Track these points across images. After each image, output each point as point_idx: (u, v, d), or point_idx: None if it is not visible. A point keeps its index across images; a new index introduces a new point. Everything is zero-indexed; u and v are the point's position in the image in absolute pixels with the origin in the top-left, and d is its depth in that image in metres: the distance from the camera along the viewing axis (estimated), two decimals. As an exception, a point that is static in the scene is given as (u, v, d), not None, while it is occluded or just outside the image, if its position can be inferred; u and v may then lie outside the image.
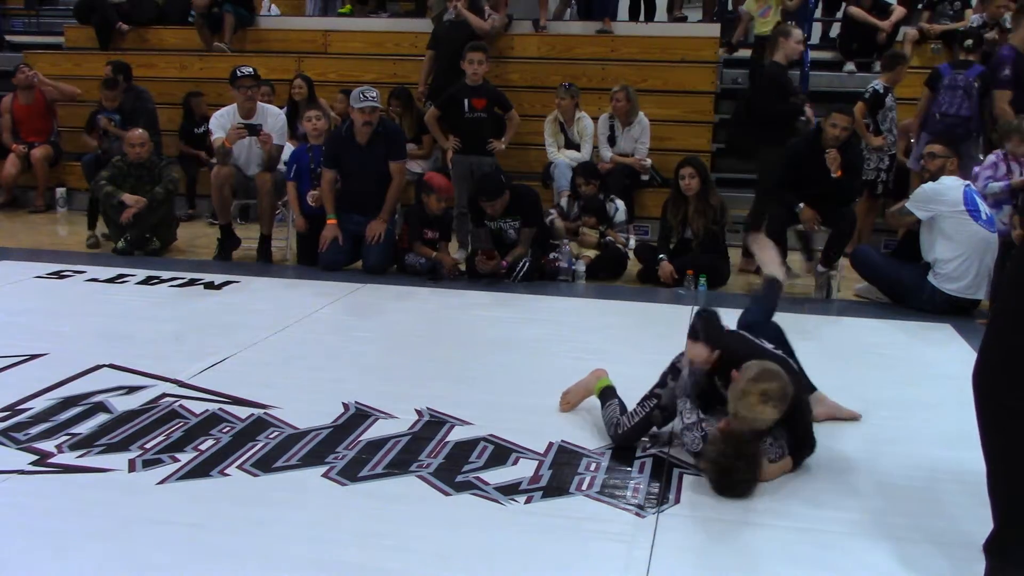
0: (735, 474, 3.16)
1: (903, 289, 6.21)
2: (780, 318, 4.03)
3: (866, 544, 2.90)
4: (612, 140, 8.35)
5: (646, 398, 3.61)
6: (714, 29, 10.36)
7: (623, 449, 3.54)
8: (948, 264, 5.94)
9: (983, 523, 2.49)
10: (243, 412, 3.85)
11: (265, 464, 3.36)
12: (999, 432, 2.40)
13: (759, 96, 7.44)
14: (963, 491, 3.18)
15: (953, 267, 5.92)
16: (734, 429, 3.23)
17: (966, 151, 7.17)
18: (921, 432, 3.87)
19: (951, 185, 6.03)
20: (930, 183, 6.13)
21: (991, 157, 6.64)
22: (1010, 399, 2.36)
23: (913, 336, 5.53)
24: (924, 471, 3.46)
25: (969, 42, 7.92)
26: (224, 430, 3.66)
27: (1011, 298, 2.43)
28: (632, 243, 7.35)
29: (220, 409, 3.89)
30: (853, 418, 3.94)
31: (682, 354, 3.66)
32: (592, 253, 7.02)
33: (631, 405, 3.65)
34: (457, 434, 3.68)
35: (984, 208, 5.98)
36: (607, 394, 3.79)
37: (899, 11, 9.53)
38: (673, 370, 3.64)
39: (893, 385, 4.51)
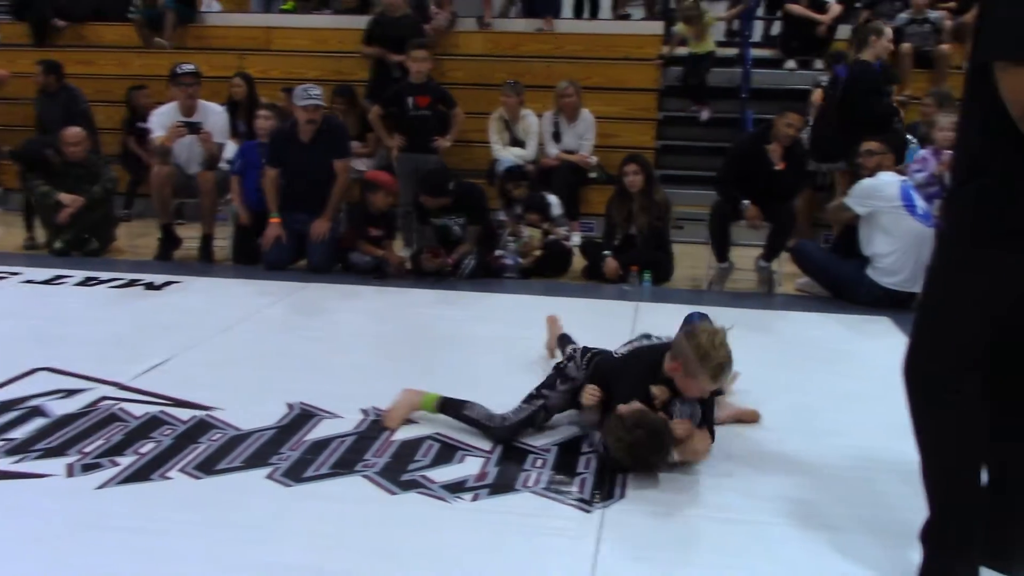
0: (639, 448, 3.20)
1: (843, 283, 6.32)
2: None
3: (806, 534, 2.95)
4: (557, 137, 8.37)
5: (533, 396, 3.67)
6: (657, 27, 10.44)
7: (569, 445, 3.56)
8: (886, 258, 6.06)
9: (920, 512, 2.54)
10: (185, 414, 3.80)
11: (208, 466, 3.31)
12: (931, 418, 2.45)
13: (858, 97, 7.29)
14: (901, 481, 3.24)
15: (891, 261, 6.04)
16: (629, 410, 3.27)
17: None
18: (860, 423, 3.93)
19: (888, 181, 6.15)
20: (868, 179, 6.25)
21: (921, 152, 6.78)
22: (940, 384, 2.42)
23: (852, 329, 5.63)
24: (863, 462, 3.53)
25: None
26: (166, 433, 3.61)
27: (936, 284, 2.50)
28: (577, 240, 7.38)
29: (162, 411, 3.83)
30: (754, 420, 3.89)
31: (570, 359, 3.74)
32: (538, 251, 7.03)
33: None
34: (403, 433, 3.67)
35: (920, 203, 6.11)
36: (452, 403, 3.74)
37: (835, 8, 9.64)
38: (561, 375, 3.69)
39: (833, 377, 4.59)
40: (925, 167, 6.52)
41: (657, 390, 3.37)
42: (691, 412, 3.37)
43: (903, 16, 9.13)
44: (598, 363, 3.71)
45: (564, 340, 4.40)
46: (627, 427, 3.21)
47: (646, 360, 3.52)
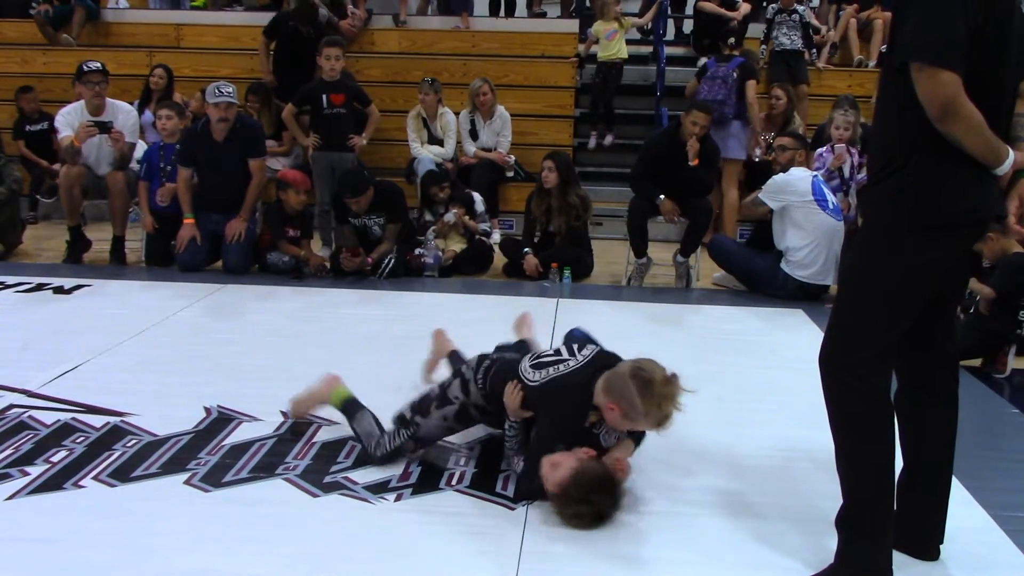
0: (606, 512, 3.00)
1: (758, 277, 6.45)
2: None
3: (727, 524, 3.00)
4: (474, 135, 8.37)
5: (403, 424, 3.39)
6: (573, 25, 10.49)
7: (492, 442, 3.56)
8: (799, 252, 6.20)
9: (835, 499, 2.60)
10: (98, 421, 3.70)
11: (123, 473, 3.23)
12: (845, 408, 2.52)
13: None
14: (816, 469, 3.32)
15: (803, 255, 6.19)
16: (580, 471, 2.98)
17: (726, 131, 7.89)
18: (776, 414, 4.02)
19: (800, 176, 6.30)
20: (780, 174, 6.40)
21: (820, 150, 6.95)
22: (854, 375, 2.48)
23: (768, 321, 5.75)
24: (780, 451, 3.61)
25: (732, 40, 8.51)
26: (78, 440, 3.51)
27: (854, 275, 2.56)
28: (497, 237, 7.38)
29: (73, 419, 3.72)
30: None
31: (449, 384, 3.45)
32: (459, 247, 7.02)
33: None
34: (324, 434, 3.63)
35: (831, 197, 6.27)
36: (352, 407, 3.57)
37: (745, 6, 9.78)
38: (441, 396, 3.41)
39: (750, 369, 4.68)
40: (823, 163, 6.70)
41: (594, 416, 3.14)
42: (617, 435, 3.21)
43: (772, 8, 9.32)
44: (501, 372, 3.35)
45: (455, 358, 4.04)
46: (581, 499, 2.93)
47: (569, 395, 3.15)
